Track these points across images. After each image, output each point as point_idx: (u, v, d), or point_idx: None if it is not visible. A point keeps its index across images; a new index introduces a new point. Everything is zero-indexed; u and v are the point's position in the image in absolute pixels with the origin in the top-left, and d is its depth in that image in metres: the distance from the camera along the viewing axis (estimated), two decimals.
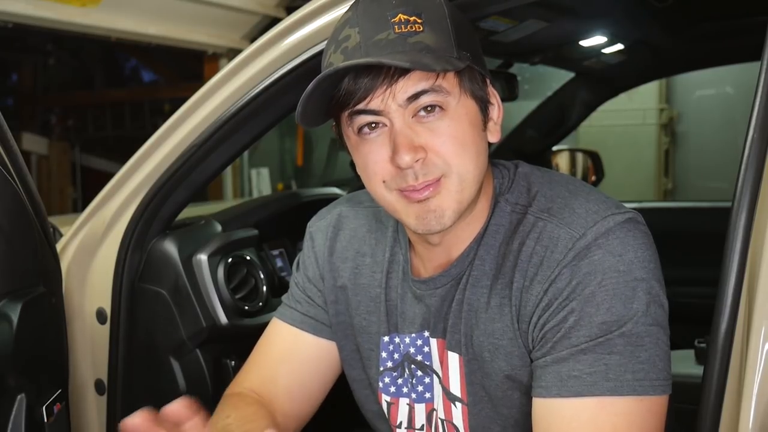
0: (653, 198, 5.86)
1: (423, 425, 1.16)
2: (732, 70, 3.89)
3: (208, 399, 1.65)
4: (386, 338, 1.18)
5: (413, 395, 1.16)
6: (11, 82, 8.55)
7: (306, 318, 1.27)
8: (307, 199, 2.20)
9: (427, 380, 1.15)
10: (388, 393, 1.20)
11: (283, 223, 2.03)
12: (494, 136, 1.06)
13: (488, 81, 1.06)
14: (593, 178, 2.99)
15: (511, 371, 1.04)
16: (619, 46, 2.39)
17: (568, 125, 3.00)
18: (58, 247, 1.71)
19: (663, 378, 0.95)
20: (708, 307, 0.99)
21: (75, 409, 1.71)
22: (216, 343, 1.69)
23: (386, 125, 0.99)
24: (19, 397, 1.21)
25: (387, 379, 1.19)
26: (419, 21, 0.97)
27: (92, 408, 1.71)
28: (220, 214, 1.89)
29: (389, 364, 1.19)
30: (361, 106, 0.99)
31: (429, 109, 0.98)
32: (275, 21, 5.34)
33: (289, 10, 5.95)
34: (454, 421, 1.12)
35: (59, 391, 1.34)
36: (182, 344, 1.65)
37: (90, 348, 1.70)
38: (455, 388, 1.11)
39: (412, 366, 1.16)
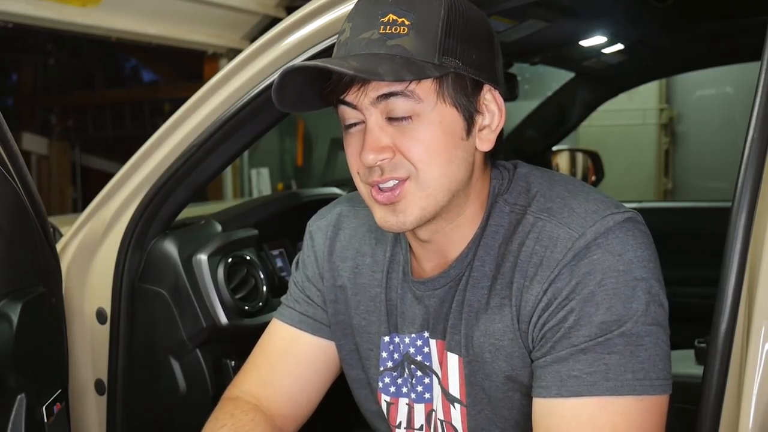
0: (653, 198, 5.85)
1: (422, 425, 1.16)
2: (732, 70, 3.88)
3: (208, 399, 1.65)
4: (386, 338, 1.18)
5: (413, 395, 1.16)
6: (11, 82, 8.55)
7: (305, 317, 1.27)
8: (307, 199, 2.20)
9: (426, 381, 1.15)
10: (387, 393, 1.20)
11: (283, 223, 2.03)
12: (485, 145, 1.05)
13: (487, 88, 1.04)
14: (593, 178, 2.99)
15: (512, 372, 1.04)
16: (619, 46, 2.39)
17: (568, 125, 3.00)
18: (58, 247, 1.71)
19: (663, 378, 0.95)
20: (708, 307, 0.99)
21: (75, 409, 1.71)
22: (216, 343, 1.69)
23: (364, 122, 1.02)
24: (19, 397, 1.21)
25: (387, 379, 1.19)
26: (407, 23, 0.98)
27: (92, 408, 1.71)
28: (220, 214, 1.89)
29: (389, 364, 1.19)
30: (342, 96, 1.02)
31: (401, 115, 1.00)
32: (275, 21, 5.34)
33: (289, 10, 5.96)
34: (453, 422, 1.12)
35: (59, 391, 1.34)
36: (182, 344, 1.65)
37: (90, 348, 1.70)
38: (454, 389, 1.11)
39: (412, 366, 1.16)
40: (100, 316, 1.67)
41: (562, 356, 0.96)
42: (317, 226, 1.29)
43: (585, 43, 2.30)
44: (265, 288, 1.79)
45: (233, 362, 1.69)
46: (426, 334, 1.13)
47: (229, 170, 6.48)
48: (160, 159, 1.58)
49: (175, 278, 1.64)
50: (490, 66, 1.04)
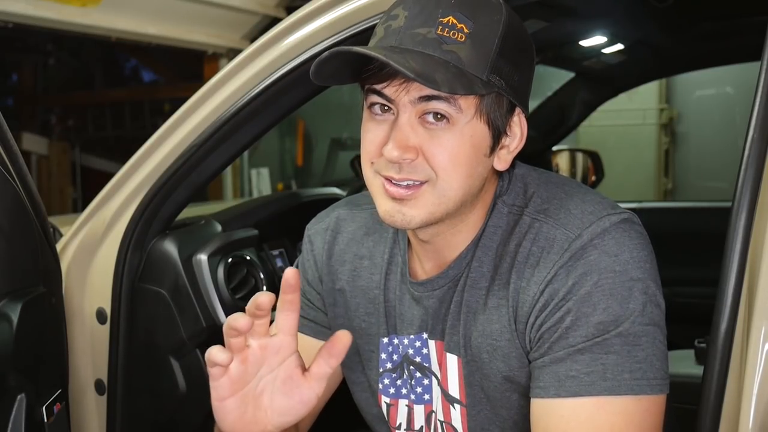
0: (653, 198, 5.86)
1: (422, 427, 1.16)
2: (732, 70, 3.88)
3: (208, 399, 1.65)
4: (385, 339, 1.18)
5: (412, 396, 1.16)
6: (11, 82, 8.56)
7: (305, 321, 1.27)
8: (307, 199, 2.20)
9: (425, 382, 1.15)
10: (387, 394, 1.20)
11: (283, 223, 2.03)
12: (502, 164, 1.05)
13: (518, 111, 1.04)
14: (593, 178, 2.99)
15: (510, 372, 1.04)
16: (619, 46, 2.40)
17: (568, 125, 3.00)
18: (58, 247, 1.71)
19: (660, 377, 0.95)
20: (708, 307, 0.99)
21: (75, 409, 1.71)
22: (216, 343, 1.69)
23: (394, 114, 1.00)
24: (19, 397, 1.21)
25: (386, 381, 1.19)
26: (466, 30, 0.95)
27: (92, 408, 1.71)
28: (220, 214, 1.89)
29: (389, 365, 1.19)
30: (378, 87, 0.99)
31: (438, 116, 0.98)
32: (275, 21, 5.35)
33: (289, 10, 5.96)
34: (453, 423, 1.12)
35: (59, 391, 1.34)
36: (182, 344, 1.65)
37: (90, 348, 1.70)
38: (454, 389, 1.11)
39: (411, 367, 1.16)
40: (100, 316, 1.67)
41: (560, 357, 0.97)
42: (316, 230, 1.29)
43: (585, 43, 2.30)
44: (265, 288, 1.79)
45: None
46: (425, 335, 1.13)
47: (229, 170, 6.48)
48: (160, 159, 1.58)
49: (175, 278, 1.65)
50: (525, 90, 1.04)
